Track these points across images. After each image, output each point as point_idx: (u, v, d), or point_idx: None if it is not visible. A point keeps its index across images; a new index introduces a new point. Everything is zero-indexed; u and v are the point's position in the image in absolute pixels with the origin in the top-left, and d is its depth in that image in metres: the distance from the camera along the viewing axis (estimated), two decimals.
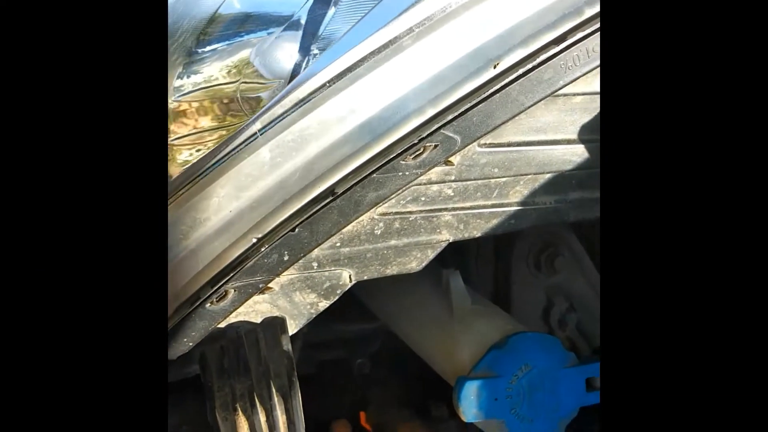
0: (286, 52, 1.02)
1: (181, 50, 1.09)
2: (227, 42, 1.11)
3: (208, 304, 0.85)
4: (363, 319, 1.36)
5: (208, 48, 1.11)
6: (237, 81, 1.01)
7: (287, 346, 0.86)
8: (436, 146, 0.82)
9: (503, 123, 0.83)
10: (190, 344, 0.86)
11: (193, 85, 1.06)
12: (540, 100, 0.83)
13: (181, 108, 1.01)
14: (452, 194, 0.87)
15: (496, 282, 1.25)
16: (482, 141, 0.85)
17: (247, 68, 1.04)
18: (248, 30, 1.11)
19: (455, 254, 1.26)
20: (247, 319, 0.89)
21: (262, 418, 0.84)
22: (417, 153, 0.82)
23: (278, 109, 0.79)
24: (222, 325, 0.87)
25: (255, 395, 0.84)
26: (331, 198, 0.82)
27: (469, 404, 0.92)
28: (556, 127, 0.87)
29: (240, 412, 0.84)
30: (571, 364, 0.96)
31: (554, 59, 0.81)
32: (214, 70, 1.08)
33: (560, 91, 0.84)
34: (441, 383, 1.04)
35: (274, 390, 0.84)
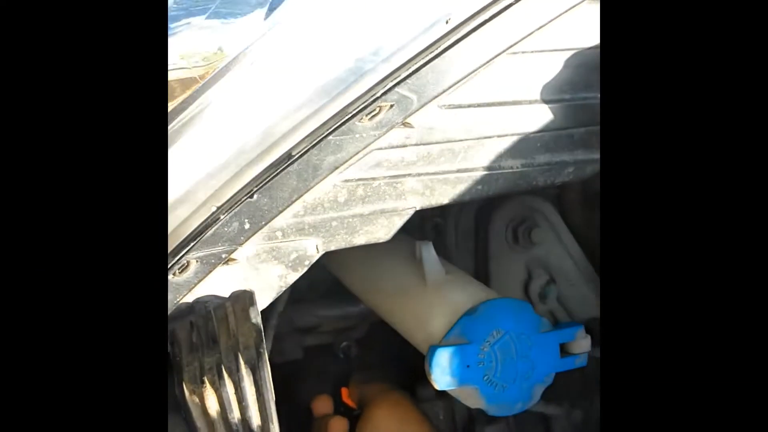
0: (252, 25, 1.01)
1: None
2: (202, 16, 1.11)
3: (171, 276, 0.84)
4: (349, 303, 1.36)
5: (183, 21, 1.10)
6: (210, 54, 1.01)
7: (256, 318, 0.85)
8: (392, 106, 0.82)
9: (460, 81, 0.82)
10: None
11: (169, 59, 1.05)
12: (496, 56, 0.82)
13: None
14: (415, 159, 0.86)
15: (476, 259, 1.23)
16: (442, 102, 0.84)
17: (218, 43, 1.03)
18: (221, 4, 1.11)
19: (435, 234, 1.25)
20: (215, 293, 0.88)
21: (231, 390, 0.83)
22: (373, 113, 0.81)
23: (232, 73, 0.78)
24: (190, 299, 0.87)
25: (223, 368, 0.83)
26: (287, 162, 0.81)
27: (441, 372, 0.90)
28: (517, 86, 0.86)
29: (208, 385, 0.83)
30: (544, 329, 0.95)
31: (507, 11, 0.80)
32: (189, 44, 1.07)
33: (519, 48, 0.84)
34: None
35: (242, 362, 0.83)
